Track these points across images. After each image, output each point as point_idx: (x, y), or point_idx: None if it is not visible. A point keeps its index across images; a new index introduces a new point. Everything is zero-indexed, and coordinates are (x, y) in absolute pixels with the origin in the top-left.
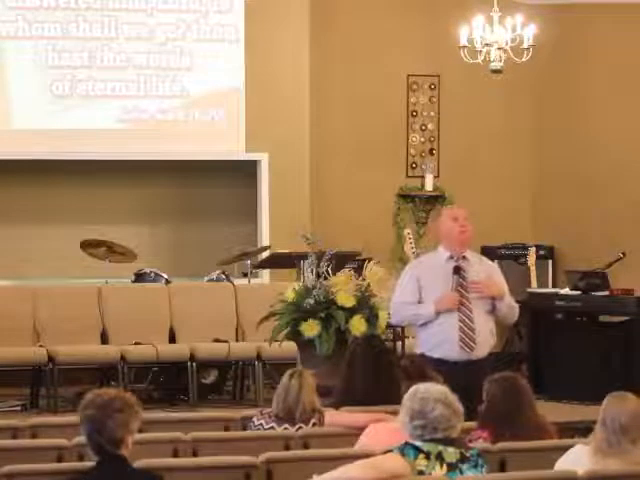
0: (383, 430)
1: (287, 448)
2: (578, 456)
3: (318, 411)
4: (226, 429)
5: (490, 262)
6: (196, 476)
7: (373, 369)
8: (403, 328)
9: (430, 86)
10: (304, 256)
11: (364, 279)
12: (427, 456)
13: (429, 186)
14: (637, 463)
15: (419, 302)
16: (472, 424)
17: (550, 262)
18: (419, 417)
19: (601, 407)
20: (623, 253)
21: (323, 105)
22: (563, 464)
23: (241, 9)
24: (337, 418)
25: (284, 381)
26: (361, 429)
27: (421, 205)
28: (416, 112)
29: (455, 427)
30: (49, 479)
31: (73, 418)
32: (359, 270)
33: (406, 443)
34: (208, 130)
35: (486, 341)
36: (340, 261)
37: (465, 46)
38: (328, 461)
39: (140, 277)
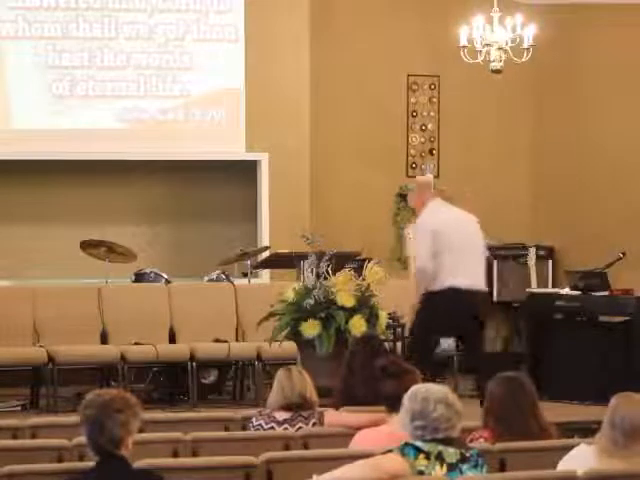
0: (370, 437)
1: (287, 448)
2: (582, 456)
3: (318, 405)
4: (226, 429)
5: None
6: (196, 476)
7: (372, 369)
8: (403, 328)
9: (430, 86)
10: (304, 256)
11: (364, 279)
12: (427, 456)
13: None
14: None
15: None
16: (474, 424)
17: (550, 262)
18: (420, 417)
19: (609, 407)
20: (623, 253)
21: (323, 105)
22: (566, 464)
23: (241, 9)
24: (337, 418)
25: (284, 374)
26: (361, 429)
27: None
28: (416, 112)
29: (455, 427)
30: (49, 479)
31: (73, 418)
32: (359, 270)
33: (406, 443)
34: (208, 130)
35: None
36: (340, 261)
37: (465, 46)
38: (328, 461)
39: (140, 277)
